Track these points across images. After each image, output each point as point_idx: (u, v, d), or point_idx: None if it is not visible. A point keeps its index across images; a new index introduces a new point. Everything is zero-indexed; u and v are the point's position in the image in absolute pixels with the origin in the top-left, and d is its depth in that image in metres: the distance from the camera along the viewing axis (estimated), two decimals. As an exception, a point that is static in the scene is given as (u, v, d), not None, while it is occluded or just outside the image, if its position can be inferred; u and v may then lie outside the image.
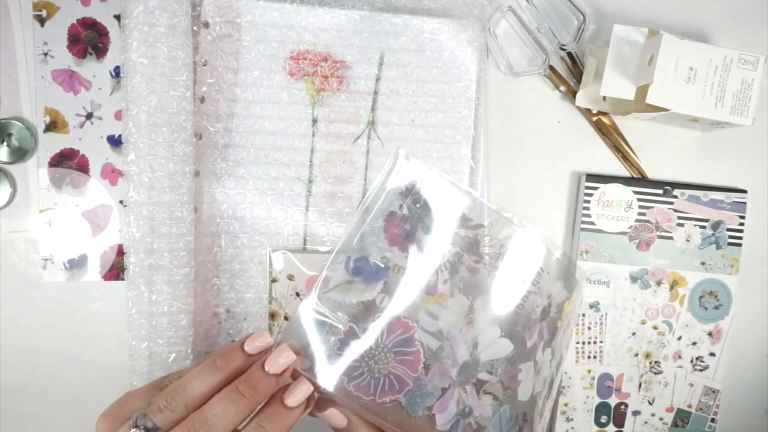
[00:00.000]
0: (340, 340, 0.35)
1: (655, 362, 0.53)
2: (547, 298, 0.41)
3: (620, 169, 0.53)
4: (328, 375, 0.35)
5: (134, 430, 0.33)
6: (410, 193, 0.38)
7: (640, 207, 0.52)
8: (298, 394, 0.34)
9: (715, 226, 0.53)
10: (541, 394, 0.42)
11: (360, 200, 0.48)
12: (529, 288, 0.40)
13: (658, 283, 0.53)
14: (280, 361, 0.34)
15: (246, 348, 0.34)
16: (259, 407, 0.34)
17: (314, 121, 0.48)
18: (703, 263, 0.53)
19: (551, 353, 0.42)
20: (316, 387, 0.34)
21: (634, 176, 0.53)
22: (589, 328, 0.53)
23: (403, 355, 0.36)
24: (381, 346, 0.35)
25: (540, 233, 0.42)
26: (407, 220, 0.37)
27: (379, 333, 0.35)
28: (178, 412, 0.33)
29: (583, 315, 0.52)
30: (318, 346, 0.35)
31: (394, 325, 0.36)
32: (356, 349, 0.35)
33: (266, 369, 0.34)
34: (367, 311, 0.35)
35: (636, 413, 0.54)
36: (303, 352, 0.35)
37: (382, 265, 0.36)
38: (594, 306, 0.52)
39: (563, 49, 0.51)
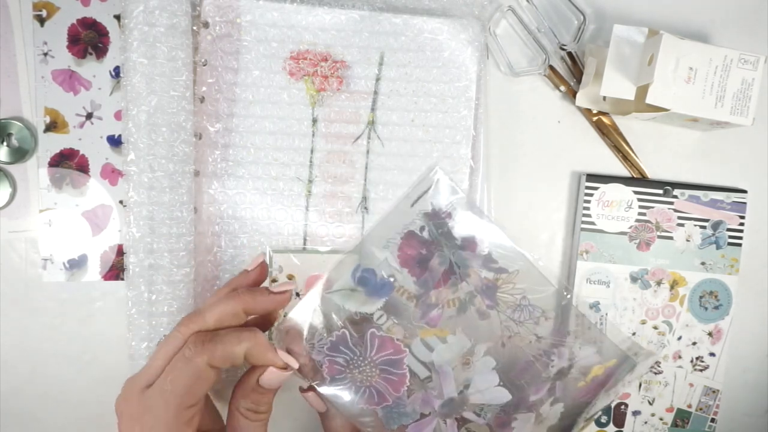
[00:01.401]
0: (331, 342, 0.35)
1: (655, 362, 0.53)
2: (568, 361, 0.38)
3: (620, 169, 0.53)
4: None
5: None
6: (437, 216, 0.36)
7: (640, 207, 0.52)
8: (283, 286, 0.36)
9: (715, 226, 0.53)
10: None
11: (360, 200, 0.48)
12: (547, 349, 0.37)
13: (658, 283, 0.53)
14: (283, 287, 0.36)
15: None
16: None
17: (314, 121, 0.48)
18: (703, 263, 0.53)
19: (563, 407, 0.39)
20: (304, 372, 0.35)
21: (634, 176, 0.53)
22: (589, 329, 0.52)
23: (388, 374, 0.35)
24: (368, 360, 0.35)
25: (568, 291, 0.39)
26: (425, 244, 0.36)
27: (369, 347, 0.35)
28: None
29: (583, 315, 0.52)
30: (310, 341, 0.35)
31: (386, 344, 0.35)
32: (343, 354, 0.35)
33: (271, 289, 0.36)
34: (362, 323, 0.35)
35: (636, 413, 0.54)
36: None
37: (388, 283, 0.35)
38: (594, 306, 0.52)
39: (563, 49, 0.51)
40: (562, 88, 0.52)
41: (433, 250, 0.36)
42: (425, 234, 0.36)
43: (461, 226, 0.36)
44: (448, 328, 0.36)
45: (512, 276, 0.37)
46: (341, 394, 0.35)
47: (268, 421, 0.37)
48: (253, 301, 0.35)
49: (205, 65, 0.47)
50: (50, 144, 0.48)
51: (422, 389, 0.36)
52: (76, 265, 0.49)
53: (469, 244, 0.36)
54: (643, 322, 0.53)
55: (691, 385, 0.54)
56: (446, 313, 0.36)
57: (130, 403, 0.34)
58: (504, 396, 0.37)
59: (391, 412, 0.35)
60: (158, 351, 0.34)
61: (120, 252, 0.49)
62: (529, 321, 0.37)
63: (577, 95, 0.51)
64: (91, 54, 0.48)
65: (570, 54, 0.51)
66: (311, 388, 0.36)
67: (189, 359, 0.33)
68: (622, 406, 0.54)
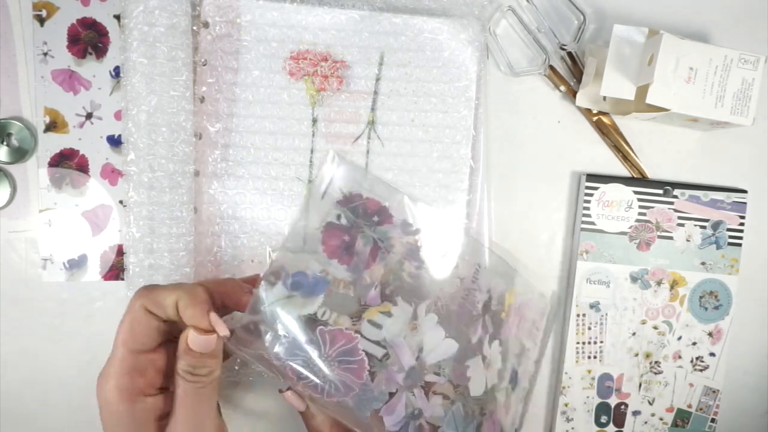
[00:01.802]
0: (285, 349, 0.35)
1: (655, 362, 0.53)
2: (486, 293, 0.41)
3: (620, 169, 0.53)
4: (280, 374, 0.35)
5: None
6: (349, 201, 0.37)
7: (641, 207, 0.52)
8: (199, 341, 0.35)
9: (716, 226, 0.53)
10: (498, 387, 0.42)
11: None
12: (469, 285, 0.39)
13: (659, 283, 0.53)
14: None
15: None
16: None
17: (314, 121, 0.48)
18: (703, 263, 0.53)
19: (499, 344, 0.42)
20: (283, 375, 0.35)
21: (634, 176, 0.53)
22: (590, 328, 0.53)
23: (347, 363, 0.36)
24: (324, 356, 0.35)
25: (466, 227, 0.42)
26: (346, 230, 0.36)
27: (322, 344, 0.35)
28: None
29: (584, 315, 0.52)
30: (267, 351, 0.35)
31: (337, 337, 0.35)
32: (300, 356, 0.35)
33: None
34: (308, 324, 0.35)
35: (636, 413, 0.54)
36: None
37: (322, 278, 0.35)
38: (594, 306, 0.52)
39: (563, 49, 0.51)
40: (562, 88, 0.52)
41: (355, 233, 0.36)
42: (343, 221, 0.36)
43: (371, 203, 0.37)
44: (389, 302, 0.37)
45: (428, 232, 0.38)
46: (311, 390, 0.35)
47: (214, 387, 0.36)
48: (216, 284, 0.36)
49: (205, 65, 0.47)
50: (50, 144, 0.48)
51: (383, 368, 0.37)
52: (76, 265, 0.49)
53: (385, 217, 0.37)
54: (643, 322, 0.53)
55: (691, 385, 0.54)
56: (383, 288, 0.37)
57: None
58: (452, 346, 0.38)
59: (361, 400, 0.36)
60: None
61: (120, 252, 0.49)
62: (450, 268, 0.39)
63: (577, 95, 0.51)
64: (90, 54, 0.48)
65: (570, 54, 0.51)
66: (289, 388, 0.36)
67: (128, 306, 0.35)
68: (622, 406, 0.54)
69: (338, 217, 0.36)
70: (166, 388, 0.37)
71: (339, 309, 0.35)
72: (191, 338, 0.34)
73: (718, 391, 0.54)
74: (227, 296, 0.37)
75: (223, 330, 0.34)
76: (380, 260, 0.37)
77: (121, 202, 0.49)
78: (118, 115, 0.48)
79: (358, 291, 0.36)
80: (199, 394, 0.36)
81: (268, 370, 0.35)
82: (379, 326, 0.36)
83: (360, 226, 0.36)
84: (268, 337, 0.34)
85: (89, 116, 0.48)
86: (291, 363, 0.34)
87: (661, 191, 0.52)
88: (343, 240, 0.36)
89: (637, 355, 0.53)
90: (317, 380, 0.35)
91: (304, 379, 0.35)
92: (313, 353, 0.35)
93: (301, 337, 0.35)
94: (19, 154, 0.47)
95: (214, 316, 0.35)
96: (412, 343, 0.37)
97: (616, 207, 0.52)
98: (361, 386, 0.36)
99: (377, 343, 0.36)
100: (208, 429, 0.37)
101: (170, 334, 0.37)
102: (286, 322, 0.34)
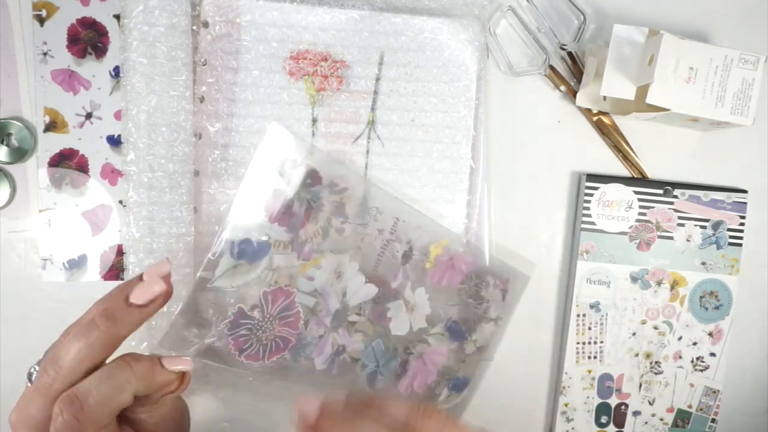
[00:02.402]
0: (231, 322, 0.39)
1: (656, 362, 0.53)
2: (406, 244, 0.45)
3: (620, 169, 0.53)
4: (223, 355, 0.39)
5: (32, 368, 0.34)
6: (286, 169, 0.41)
7: (641, 207, 0.52)
8: (146, 293, 0.33)
9: (716, 226, 0.53)
10: (429, 331, 0.47)
11: (360, 200, 0.48)
12: (388, 237, 0.44)
13: (659, 283, 0.53)
14: (147, 293, 0.33)
15: (130, 297, 0.33)
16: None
17: (314, 120, 0.48)
18: (703, 263, 0.53)
19: (426, 292, 0.46)
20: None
21: (635, 176, 0.53)
22: (590, 329, 0.52)
23: (286, 318, 0.41)
24: (267, 317, 0.40)
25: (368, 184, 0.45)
26: (284, 195, 0.41)
27: (265, 304, 0.40)
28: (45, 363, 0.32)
29: (584, 315, 0.52)
30: (211, 330, 0.38)
31: (277, 295, 0.40)
32: (245, 324, 0.40)
33: (131, 300, 0.33)
34: (253, 288, 0.40)
35: (636, 413, 0.54)
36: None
37: (265, 243, 0.40)
38: (594, 306, 0.52)
39: (563, 49, 0.51)
40: (562, 88, 0.52)
41: (293, 198, 0.41)
42: (282, 187, 0.41)
43: (305, 168, 0.42)
44: (320, 256, 0.42)
45: (351, 191, 0.43)
46: (252, 359, 0.40)
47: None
48: (147, 378, 0.32)
49: (204, 65, 0.47)
50: (50, 144, 0.48)
51: (314, 315, 0.43)
52: (75, 265, 0.49)
53: (316, 179, 0.42)
54: (644, 322, 0.53)
55: (692, 385, 0.54)
56: (315, 243, 0.42)
57: None
58: (372, 290, 0.44)
59: (297, 349, 0.42)
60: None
61: (120, 252, 0.49)
62: (371, 221, 0.44)
63: (578, 95, 0.51)
64: (90, 54, 0.48)
65: (570, 54, 0.51)
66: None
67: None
68: (623, 407, 0.54)
69: (278, 183, 0.41)
70: None
71: (279, 269, 0.40)
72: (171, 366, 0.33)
73: (719, 391, 0.54)
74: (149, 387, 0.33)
75: (186, 364, 0.34)
76: (312, 219, 0.42)
77: (120, 202, 0.49)
78: (117, 115, 0.48)
79: (296, 249, 0.41)
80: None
81: (211, 361, 0.39)
82: (311, 278, 0.42)
83: (296, 189, 0.41)
84: (214, 318, 0.38)
85: (89, 116, 0.48)
86: (236, 333, 0.39)
87: (661, 191, 0.52)
88: (283, 204, 0.41)
89: (637, 355, 0.53)
90: (259, 345, 0.40)
91: (246, 350, 0.39)
92: (258, 317, 0.40)
93: (247, 304, 0.39)
94: (19, 154, 0.47)
95: (166, 359, 0.33)
96: (337, 289, 0.43)
97: (616, 207, 0.52)
98: (297, 336, 0.41)
99: (310, 294, 0.42)
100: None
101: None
102: (232, 293, 0.39)
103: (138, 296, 0.33)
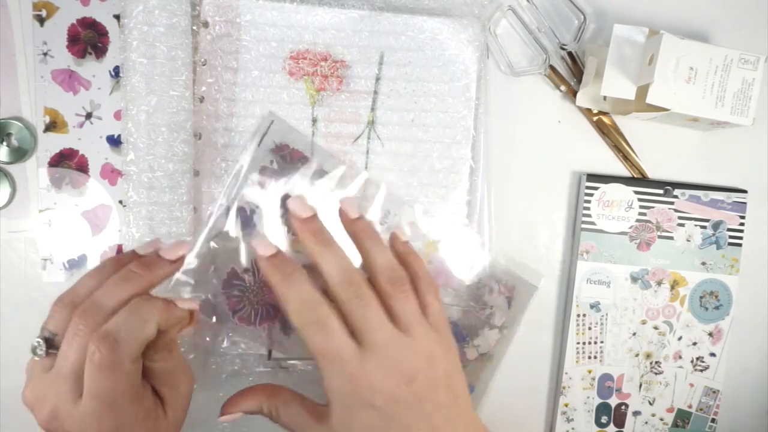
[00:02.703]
0: (224, 281, 0.43)
1: (656, 362, 0.53)
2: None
3: (621, 169, 0.53)
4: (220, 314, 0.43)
5: (36, 341, 0.35)
6: (280, 149, 0.44)
7: (641, 207, 0.52)
8: (176, 251, 0.38)
9: (716, 226, 0.53)
10: None
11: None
12: (378, 228, 0.45)
13: (659, 283, 0.53)
14: (177, 250, 0.38)
15: (162, 254, 0.38)
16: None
17: (314, 120, 0.48)
18: (703, 263, 0.53)
19: None
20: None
21: (635, 176, 0.53)
22: (590, 329, 0.52)
23: None
24: (258, 282, 0.43)
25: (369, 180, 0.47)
26: (276, 172, 0.44)
27: (256, 270, 0.43)
28: (67, 311, 0.35)
29: (584, 315, 0.52)
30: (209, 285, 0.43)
31: None
32: (237, 285, 0.43)
33: (161, 254, 0.37)
34: (246, 254, 0.43)
35: (636, 413, 0.54)
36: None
37: (257, 213, 0.43)
38: (594, 306, 0.52)
39: (564, 49, 0.51)
40: (563, 88, 0.52)
41: (283, 173, 0.44)
42: (274, 165, 0.44)
43: (297, 152, 0.45)
44: None
45: (339, 180, 0.45)
46: (245, 322, 0.43)
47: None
48: (165, 312, 0.35)
49: (204, 65, 0.47)
50: (50, 144, 0.48)
51: None
52: (75, 265, 0.49)
53: (305, 163, 0.45)
54: (644, 322, 0.53)
55: (692, 385, 0.54)
56: None
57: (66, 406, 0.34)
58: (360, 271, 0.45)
59: (286, 321, 0.43)
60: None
61: (120, 252, 0.49)
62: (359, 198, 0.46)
63: (578, 95, 0.51)
64: (90, 54, 0.48)
65: (570, 54, 0.51)
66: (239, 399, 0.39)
67: (110, 368, 0.33)
68: (623, 407, 0.53)
69: (271, 162, 0.44)
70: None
71: (270, 239, 0.41)
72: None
73: (719, 391, 0.54)
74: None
75: (194, 304, 0.38)
76: None
77: (120, 202, 0.49)
78: (117, 115, 0.48)
79: (286, 223, 0.43)
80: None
81: (208, 317, 0.42)
82: (299, 252, 0.41)
83: (288, 169, 0.44)
84: (211, 271, 0.42)
85: (89, 116, 0.48)
86: (230, 292, 0.42)
87: (661, 191, 0.52)
88: (274, 180, 0.44)
89: (637, 355, 0.53)
90: (251, 309, 0.43)
91: (239, 311, 0.43)
92: (249, 280, 0.43)
93: (239, 267, 0.42)
94: (19, 154, 0.47)
95: (180, 300, 0.37)
96: None
97: (616, 207, 0.52)
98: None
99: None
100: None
101: None
102: (230, 253, 0.42)
103: (168, 253, 0.38)
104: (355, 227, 0.38)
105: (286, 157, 0.44)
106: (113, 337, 0.33)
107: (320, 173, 0.45)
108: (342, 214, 0.38)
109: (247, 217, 0.43)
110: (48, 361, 0.35)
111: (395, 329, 0.34)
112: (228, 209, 0.42)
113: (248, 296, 0.43)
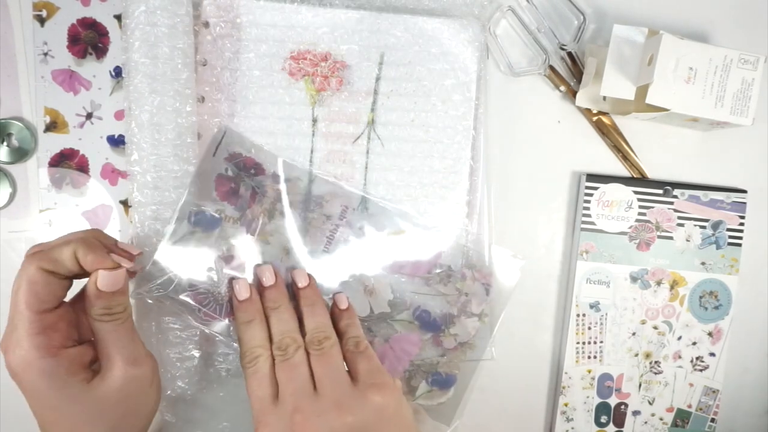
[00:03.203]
0: (188, 280, 0.44)
1: (655, 362, 0.53)
2: (359, 230, 0.48)
3: (620, 169, 0.53)
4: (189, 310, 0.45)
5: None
6: (233, 158, 0.47)
7: (640, 207, 0.52)
8: (132, 249, 0.42)
9: (715, 226, 0.53)
10: (393, 317, 0.49)
11: (359, 200, 0.49)
12: (337, 222, 0.48)
13: (658, 283, 0.53)
14: (132, 249, 0.42)
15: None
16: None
17: (314, 120, 0.48)
18: (703, 263, 0.53)
19: (385, 277, 0.49)
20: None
21: (634, 176, 0.53)
22: (590, 328, 0.53)
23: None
24: (221, 279, 0.45)
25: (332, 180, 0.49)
26: (232, 179, 0.46)
27: (219, 269, 0.45)
28: None
29: (584, 315, 0.52)
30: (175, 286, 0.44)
31: (229, 261, 0.45)
32: (203, 284, 0.44)
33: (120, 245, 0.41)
34: (208, 254, 0.45)
35: (636, 413, 0.54)
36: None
37: (217, 216, 0.45)
38: (594, 306, 0.52)
39: (563, 49, 0.51)
40: (562, 88, 0.52)
41: (238, 182, 0.46)
42: (230, 173, 0.46)
43: (250, 159, 0.47)
44: (266, 233, 0.46)
45: (293, 182, 0.47)
46: (210, 319, 0.45)
47: (130, 320, 0.40)
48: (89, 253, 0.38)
49: (205, 65, 0.47)
50: (50, 144, 0.48)
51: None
52: (76, 265, 0.49)
53: (259, 170, 0.47)
54: (643, 322, 0.53)
55: (691, 385, 0.54)
56: (262, 222, 0.46)
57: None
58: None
59: None
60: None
61: (120, 252, 0.49)
62: (317, 208, 0.48)
63: (577, 95, 0.51)
64: (91, 54, 0.48)
65: (570, 54, 0.51)
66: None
67: (23, 270, 0.36)
68: (622, 406, 0.54)
69: (226, 170, 0.46)
70: (83, 339, 0.39)
71: (230, 239, 0.46)
72: (101, 279, 0.37)
73: (718, 391, 0.54)
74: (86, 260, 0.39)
75: (126, 261, 0.39)
76: (258, 202, 0.47)
77: (121, 202, 0.49)
78: (118, 115, 0.48)
79: (244, 224, 0.46)
80: (120, 330, 0.38)
81: (177, 309, 0.44)
82: (259, 251, 0.46)
83: (242, 176, 0.47)
84: (172, 274, 0.43)
85: (89, 116, 0.48)
86: (195, 291, 0.44)
87: (661, 191, 0.52)
88: (231, 186, 0.46)
89: (637, 355, 0.53)
90: (216, 304, 0.44)
91: (206, 305, 0.44)
92: (214, 278, 0.45)
93: (203, 265, 0.44)
94: (20, 154, 0.47)
95: (114, 254, 0.39)
96: (288, 264, 0.47)
97: (616, 207, 0.52)
98: None
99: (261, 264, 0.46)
100: (141, 360, 0.39)
101: (68, 287, 0.39)
102: (190, 255, 0.44)
103: (127, 247, 0.42)
104: (300, 294, 0.45)
105: (239, 165, 0.46)
106: (39, 248, 0.38)
107: (275, 177, 0.47)
108: (293, 282, 0.45)
109: (208, 220, 0.45)
110: None
111: (308, 386, 0.40)
112: (189, 212, 0.45)
113: (212, 292, 0.45)
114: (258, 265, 0.45)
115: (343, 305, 0.46)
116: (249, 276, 0.46)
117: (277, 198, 0.47)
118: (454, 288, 0.49)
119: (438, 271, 0.49)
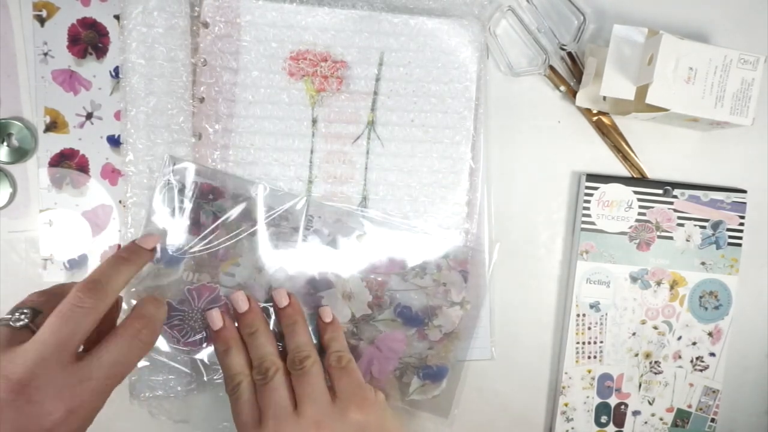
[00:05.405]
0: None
1: (655, 362, 0.53)
2: (328, 236, 0.48)
3: (620, 169, 0.53)
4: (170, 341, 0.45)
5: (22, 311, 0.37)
6: (185, 189, 0.46)
7: (640, 207, 0.52)
8: (150, 241, 0.43)
9: (715, 226, 0.53)
10: (376, 317, 0.49)
11: (359, 201, 0.49)
12: (304, 232, 0.48)
13: (658, 283, 0.53)
14: (150, 241, 0.43)
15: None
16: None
17: (314, 121, 0.48)
18: (703, 263, 0.53)
19: (362, 279, 0.49)
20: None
21: (634, 176, 0.53)
22: (590, 328, 0.53)
23: (215, 308, 0.45)
24: (195, 309, 0.45)
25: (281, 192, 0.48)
26: (190, 211, 0.46)
27: (191, 299, 0.45)
28: (49, 295, 0.38)
29: (584, 315, 0.52)
30: None
31: (202, 291, 0.45)
32: (177, 315, 0.45)
33: (138, 243, 0.42)
34: (177, 286, 0.45)
35: (636, 413, 0.54)
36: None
37: (179, 251, 0.45)
38: (594, 306, 0.52)
39: (563, 49, 0.51)
40: (562, 88, 0.52)
41: (198, 210, 0.46)
42: (185, 205, 0.46)
43: (206, 185, 0.46)
44: (236, 255, 0.46)
45: (253, 199, 0.47)
46: (191, 345, 0.45)
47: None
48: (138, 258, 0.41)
49: (204, 65, 0.47)
50: (50, 144, 0.48)
51: None
52: (76, 265, 0.49)
53: (217, 194, 0.46)
54: (643, 322, 0.53)
55: (691, 385, 0.54)
56: (230, 245, 0.46)
57: (50, 372, 0.34)
58: (297, 281, 0.48)
59: None
60: (71, 319, 0.35)
61: (120, 252, 0.49)
62: (282, 222, 0.47)
63: (577, 95, 0.51)
64: (91, 54, 0.48)
65: (570, 54, 0.51)
66: None
67: (142, 342, 0.38)
68: (622, 406, 0.54)
69: (181, 202, 0.46)
70: None
71: (199, 269, 0.45)
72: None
73: (718, 391, 0.54)
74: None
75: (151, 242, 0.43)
76: (222, 226, 0.46)
77: (121, 202, 0.49)
78: (118, 116, 0.48)
79: (212, 252, 0.46)
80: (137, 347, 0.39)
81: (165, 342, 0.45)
82: (232, 275, 0.46)
83: (201, 204, 0.46)
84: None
85: (89, 116, 0.48)
86: (170, 322, 0.45)
87: (661, 191, 0.52)
88: (191, 218, 0.46)
89: (637, 355, 0.53)
90: (194, 333, 0.45)
91: (185, 336, 0.45)
92: (187, 308, 0.45)
93: (175, 300, 0.45)
94: (20, 154, 0.48)
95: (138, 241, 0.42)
96: (261, 282, 0.47)
97: (616, 207, 0.52)
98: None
99: (234, 288, 0.46)
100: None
101: None
102: (160, 292, 0.44)
103: (144, 242, 0.43)
104: (280, 314, 0.46)
105: (194, 194, 0.46)
106: (148, 321, 0.39)
107: (236, 197, 0.47)
108: (273, 302, 0.46)
109: (170, 257, 0.45)
110: (23, 335, 0.35)
111: (288, 408, 0.40)
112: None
113: (189, 323, 0.45)
114: (230, 294, 0.45)
115: (327, 318, 0.47)
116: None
117: (243, 218, 0.46)
118: (431, 280, 0.49)
119: (412, 265, 0.49)
